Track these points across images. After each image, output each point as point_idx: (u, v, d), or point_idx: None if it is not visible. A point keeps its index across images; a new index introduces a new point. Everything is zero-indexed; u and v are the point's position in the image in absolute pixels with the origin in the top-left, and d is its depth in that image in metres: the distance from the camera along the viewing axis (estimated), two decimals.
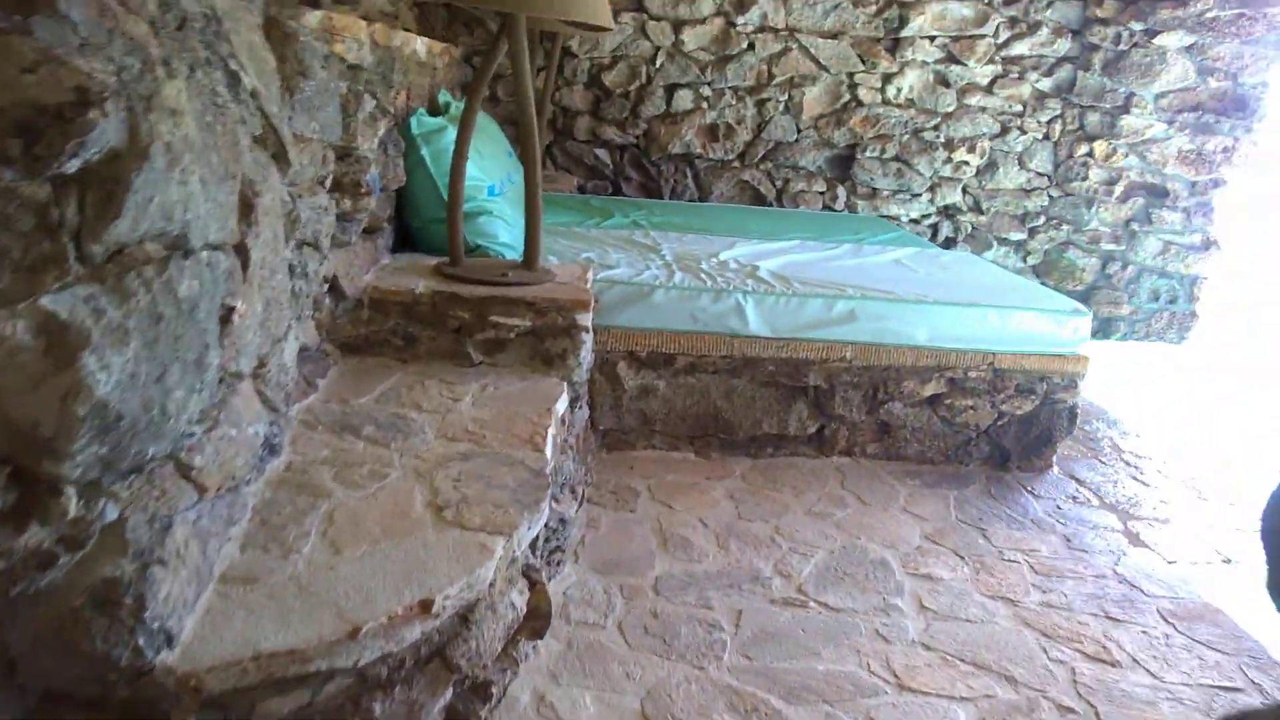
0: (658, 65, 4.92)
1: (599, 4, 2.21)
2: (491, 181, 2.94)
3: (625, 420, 3.05)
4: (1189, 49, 4.62)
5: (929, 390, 3.07)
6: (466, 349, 2.42)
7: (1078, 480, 3.14)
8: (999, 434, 3.13)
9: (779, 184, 5.24)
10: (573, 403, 2.51)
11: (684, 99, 4.99)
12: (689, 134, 5.04)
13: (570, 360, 2.45)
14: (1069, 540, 2.70)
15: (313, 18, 2.06)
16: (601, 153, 5.06)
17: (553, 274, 2.61)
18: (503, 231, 2.88)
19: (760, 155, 5.16)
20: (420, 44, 3.16)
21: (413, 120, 2.75)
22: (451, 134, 2.76)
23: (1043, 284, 5.43)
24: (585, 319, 2.43)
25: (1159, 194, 5.10)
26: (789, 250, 3.58)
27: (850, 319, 2.94)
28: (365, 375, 2.29)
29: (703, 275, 3.03)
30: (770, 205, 5.23)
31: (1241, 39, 4.47)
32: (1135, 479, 3.18)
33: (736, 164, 5.17)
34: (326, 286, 2.26)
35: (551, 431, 2.08)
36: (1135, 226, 5.21)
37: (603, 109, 4.97)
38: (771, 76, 4.99)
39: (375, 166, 2.41)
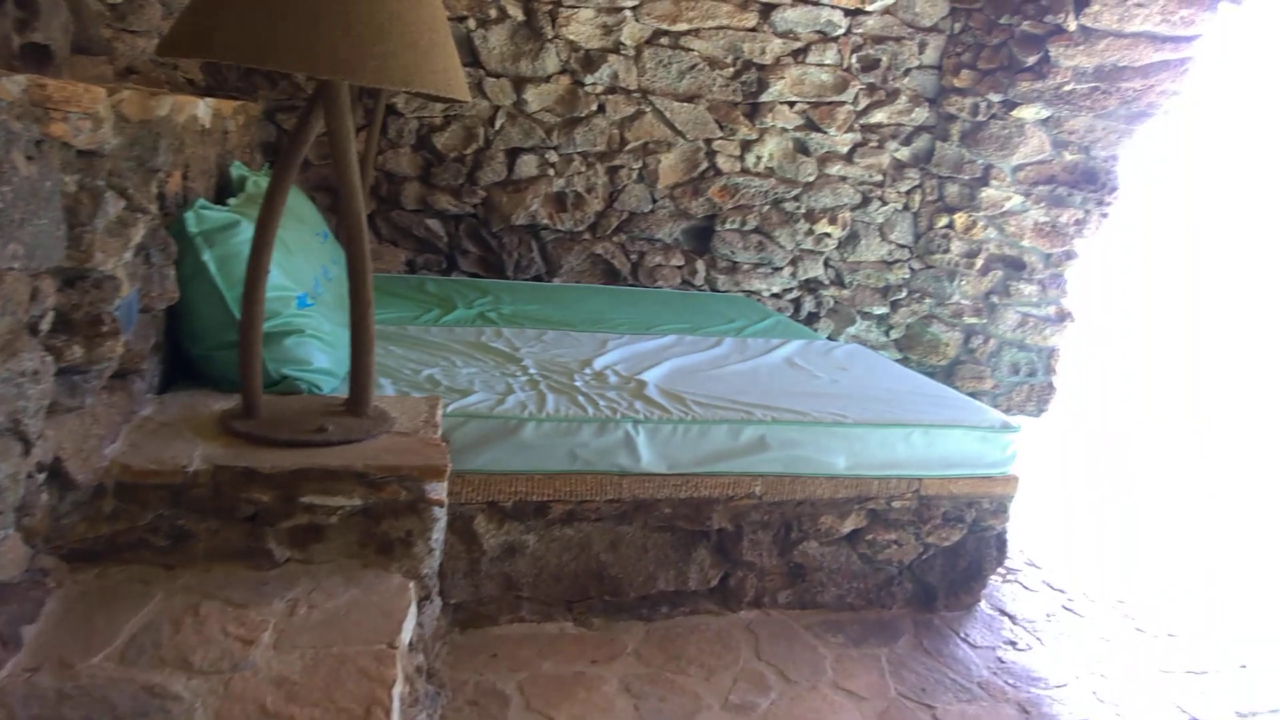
0: (497, 127, 4.34)
1: (449, 72, 1.61)
2: (302, 290, 2.25)
3: (484, 589, 2.40)
4: (1045, 122, 4.57)
5: (848, 525, 2.62)
6: (267, 544, 1.72)
7: (1010, 617, 2.78)
8: (924, 570, 2.72)
9: (634, 258, 4.76)
10: (422, 602, 1.85)
11: (528, 165, 4.43)
12: (534, 203, 4.48)
13: (418, 547, 1.79)
14: (1026, 711, 2.29)
15: (11, 86, 1.33)
16: (434, 223, 4.40)
17: (389, 419, 1.95)
18: (319, 354, 2.19)
19: (613, 227, 4.67)
20: (203, 106, 2.43)
21: (189, 215, 2.03)
22: (246, 230, 2.06)
23: (907, 360, 5.25)
24: (438, 490, 1.79)
25: (1017, 266, 5.03)
26: (669, 351, 3.07)
27: (760, 448, 2.45)
28: (106, 604, 1.54)
29: (580, 399, 2.44)
30: (625, 281, 4.74)
31: (1095, 113, 4.45)
32: (1066, 608, 2.87)
33: (587, 236, 4.65)
34: (43, 475, 1.50)
35: (398, 690, 1.43)
36: (995, 299, 5.11)
37: (435, 175, 4.32)
38: (624, 142, 4.53)
39: (131, 286, 1.69)
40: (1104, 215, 4.89)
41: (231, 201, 2.32)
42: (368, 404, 1.92)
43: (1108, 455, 5.14)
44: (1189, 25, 3.95)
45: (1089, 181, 4.73)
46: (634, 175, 4.61)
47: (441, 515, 1.83)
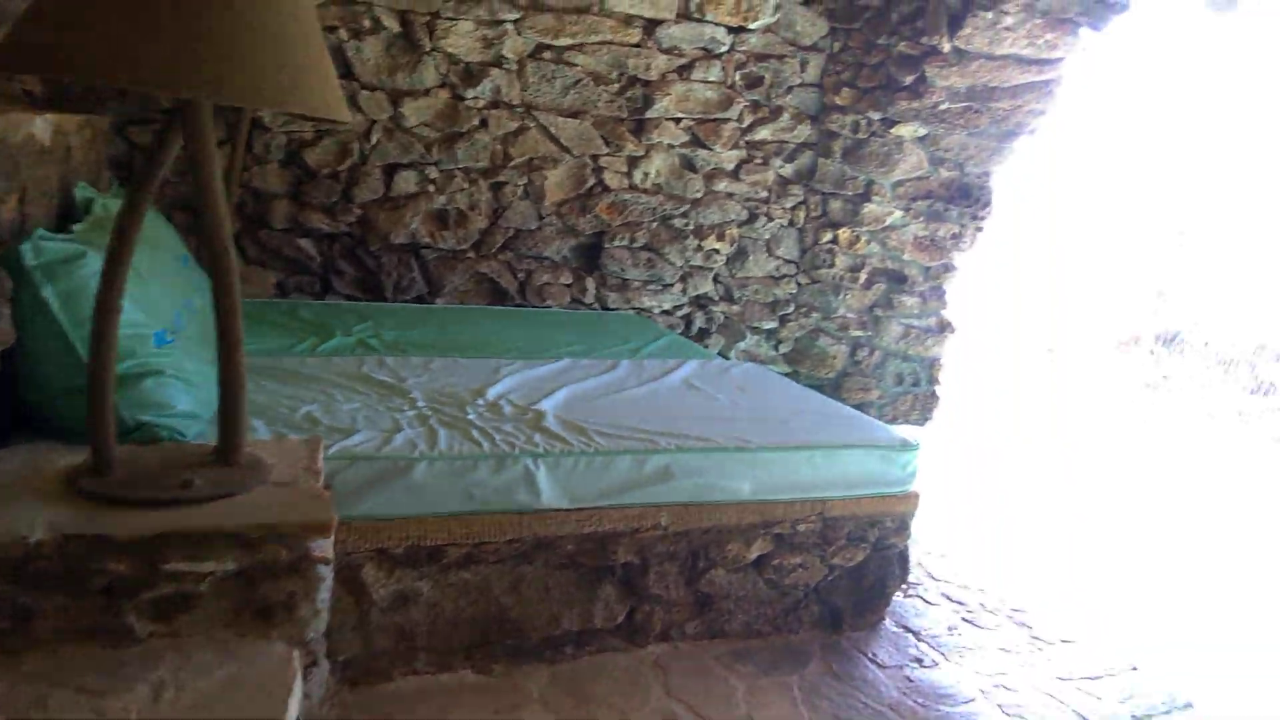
0: (373, 142, 4.15)
1: (326, 91, 1.48)
2: (160, 326, 2.04)
3: (376, 642, 2.24)
4: (922, 139, 4.72)
5: (755, 551, 2.59)
6: (125, 619, 1.53)
7: (913, 633, 2.81)
8: (829, 592, 2.72)
9: (521, 276, 4.64)
10: (308, 670, 1.69)
11: (407, 181, 4.26)
12: (414, 221, 4.31)
13: (303, 610, 1.64)
14: None
15: None
16: (306, 243, 4.17)
17: (264, 467, 1.78)
18: (181, 397, 1.99)
19: (499, 245, 4.54)
20: (42, 123, 2.19)
21: (26, 246, 1.81)
22: (94, 261, 1.85)
23: (796, 373, 5.32)
24: (324, 546, 1.64)
25: (899, 279, 5.18)
26: (564, 376, 2.97)
27: (666, 477, 2.39)
28: None
29: (475, 433, 2.32)
30: (513, 300, 4.62)
31: (968, 131, 4.63)
32: (967, 620, 2.93)
33: (471, 254, 4.50)
34: None
35: None
36: (879, 312, 5.25)
37: (306, 192, 4.09)
38: (508, 158, 4.41)
39: None
40: (979, 229, 5.10)
41: (76, 228, 2.10)
42: (240, 451, 1.75)
43: (987, 464, 5.35)
44: (1053, 49, 4.17)
45: (964, 197, 4.92)
46: (519, 192, 4.50)
47: (328, 573, 1.68)
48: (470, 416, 2.45)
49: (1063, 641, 2.86)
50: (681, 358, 3.46)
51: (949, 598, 3.08)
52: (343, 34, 3.97)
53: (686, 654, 2.54)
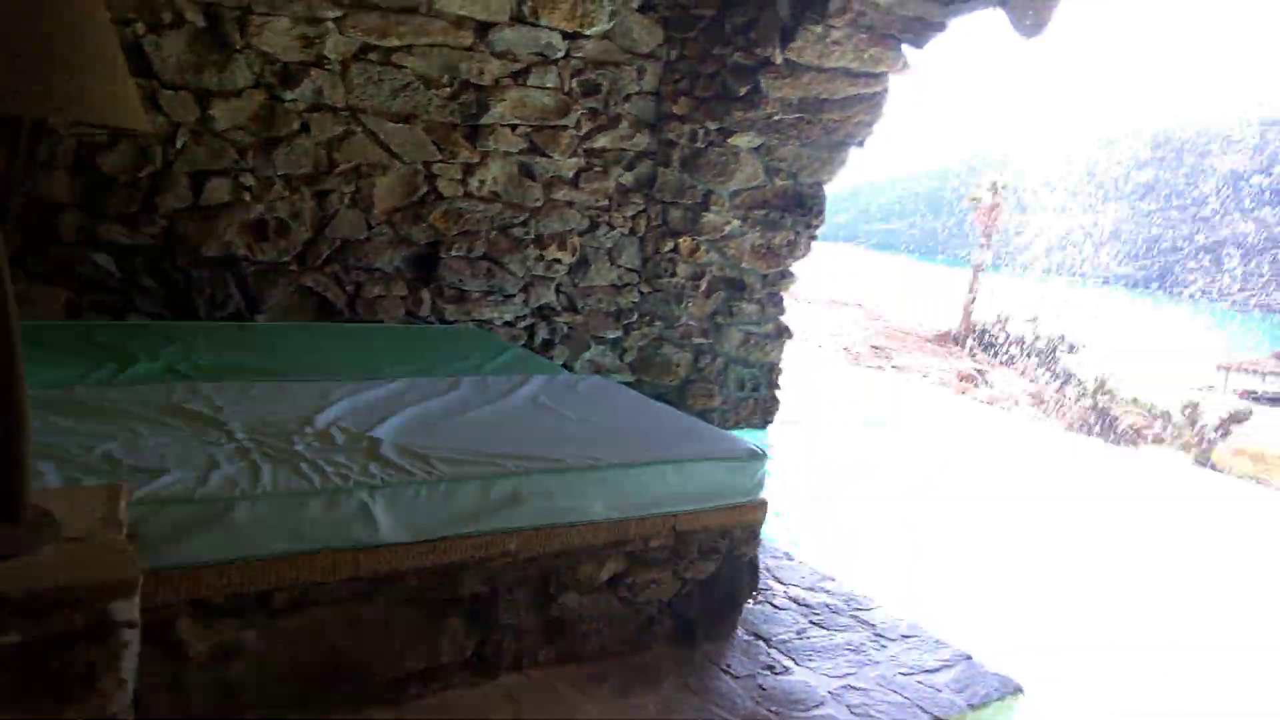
0: (179, 146, 3.83)
1: (118, 96, 1.32)
2: None
3: (194, 704, 2.04)
4: (758, 149, 4.85)
5: (608, 571, 2.55)
6: None
7: (765, 640, 2.85)
8: (682, 606, 2.72)
9: (350, 289, 4.43)
10: None
11: (219, 189, 3.96)
12: (228, 232, 4.02)
13: (104, 683, 1.46)
14: None
15: None
16: (102, 258, 3.80)
17: (53, 522, 1.57)
18: None
19: (325, 256, 4.31)
20: None
21: None
22: None
23: (640, 382, 5.34)
24: (128, 608, 1.46)
25: (738, 287, 5.30)
26: (402, 399, 2.83)
27: (514, 502, 2.31)
28: None
29: (303, 466, 2.16)
30: (342, 316, 4.39)
31: (801, 141, 4.80)
32: (814, 623, 3.00)
33: (294, 267, 4.25)
34: None
35: None
36: (720, 319, 5.36)
37: (100, 201, 3.73)
38: (334, 164, 4.19)
39: None
40: (812, 237, 5.30)
41: None
42: (23, 505, 1.54)
43: (823, 462, 5.57)
44: (878, 63, 4.39)
45: (798, 206, 5.09)
46: (346, 200, 4.28)
47: (134, 638, 1.50)
48: (298, 448, 2.28)
49: (904, 637, 2.98)
50: (526, 373, 3.38)
51: (797, 601, 3.16)
52: (139, 27, 3.65)
53: (539, 683, 2.46)
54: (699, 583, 2.72)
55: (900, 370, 13.77)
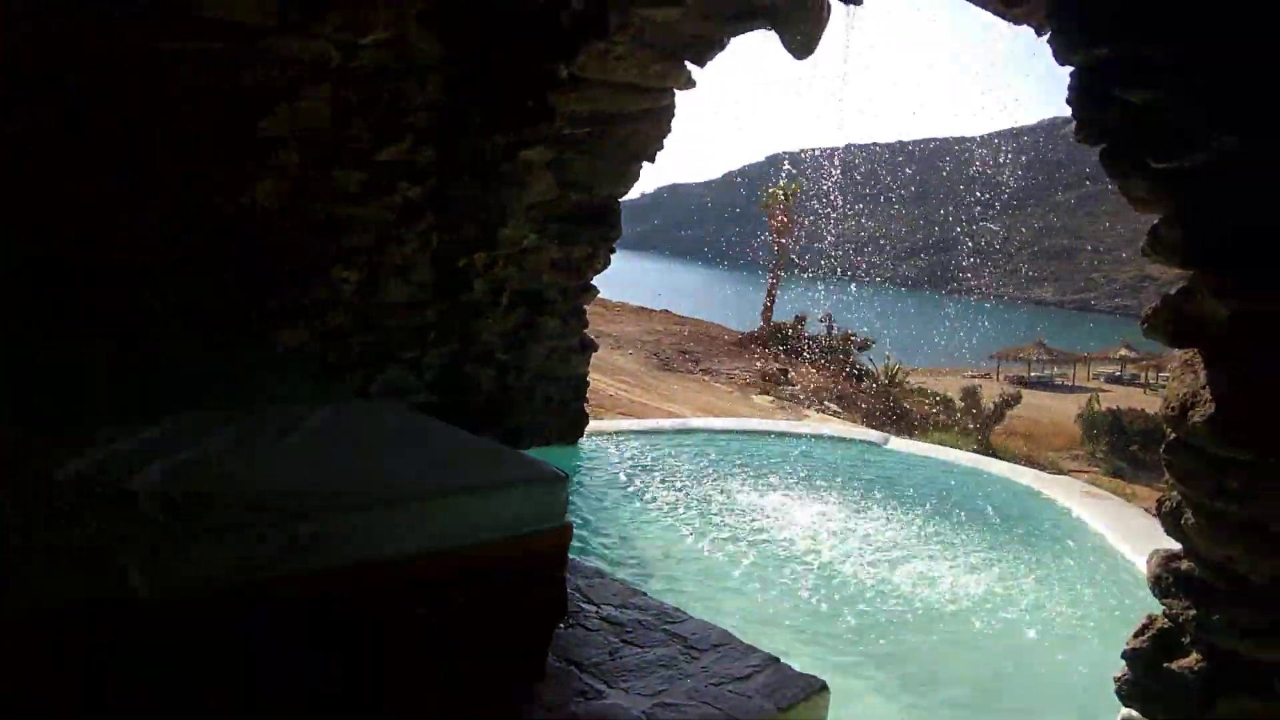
0: None
1: None
2: None
3: None
4: (551, 164, 4.85)
5: (411, 610, 2.43)
6: None
7: (577, 665, 2.82)
8: (491, 640, 2.64)
9: None
10: None
11: None
12: None
13: None
14: None
15: None
16: None
17: None
18: None
19: None
20: None
21: None
22: None
23: (443, 403, 5.20)
24: None
25: (539, 302, 5.28)
26: (173, 437, 2.58)
27: (294, 546, 2.16)
28: None
29: (55, 520, 1.92)
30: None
31: (593, 155, 4.85)
32: (626, 641, 3.00)
33: None
34: None
35: None
36: (523, 335, 5.31)
37: None
38: None
39: None
40: (610, 249, 5.37)
41: None
42: None
43: (629, 474, 5.64)
44: (663, 79, 4.50)
45: (594, 219, 5.14)
46: None
47: None
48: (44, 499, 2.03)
49: (715, 647, 3.04)
50: (317, 402, 3.19)
51: (609, 621, 3.15)
52: None
53: None
54: (504, 614, 2.66)
55: (708, 373, 14.25)
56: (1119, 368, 29.86)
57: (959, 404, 14.37)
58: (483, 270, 5.05)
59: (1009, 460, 9.44)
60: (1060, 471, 10.65)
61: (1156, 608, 2.91)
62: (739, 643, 3.09)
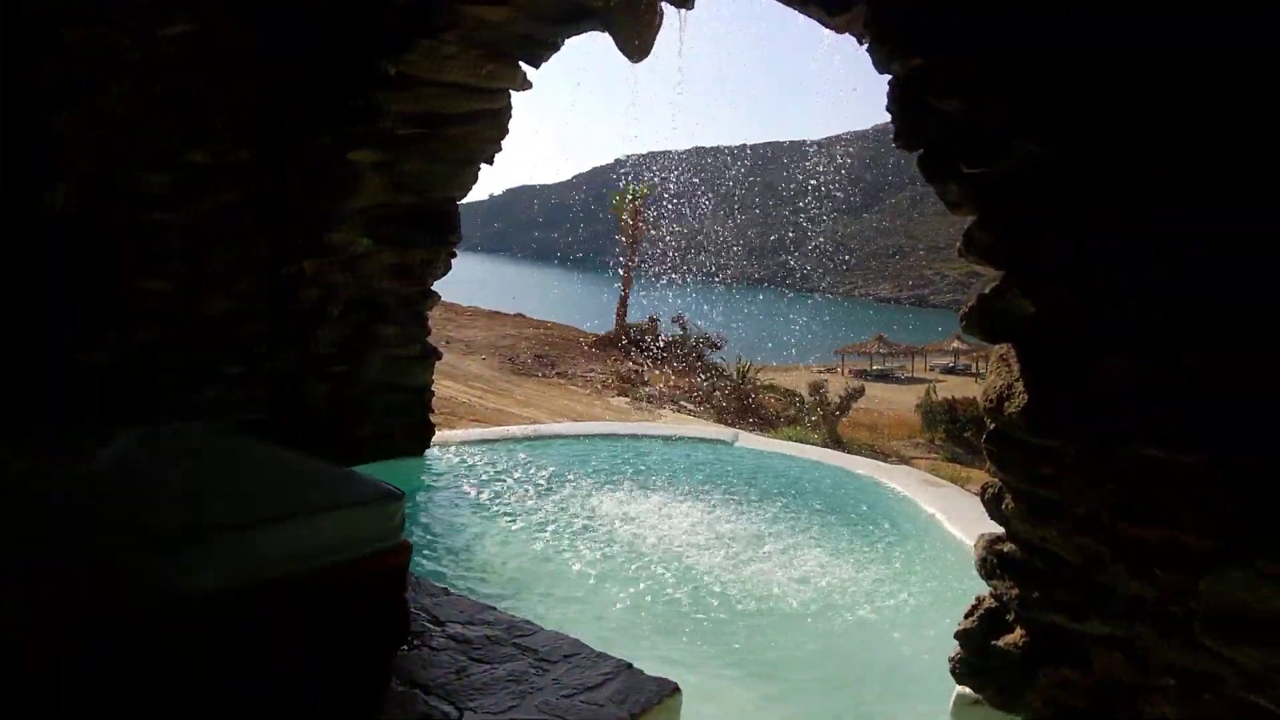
0: None
1: None
2: None
3: None
4: (381, 166, 4.69)
5: (230, 649, 2.29)
6: None
7: (422, 688, 2.74)
8: (324, 671, 2.53)
9: None
10: None
11: None
12: None
13: None
14: None
15: None
16: None
17: None
18: None
19: None
20: None
21: None
22: None
23: (274, 420, 4.94)
24: None
25: (376, 309, 5.10)
26: None
27: (96, 585, 1.99)
28: None
29: None
30: None
31: (426, 157, 4.72)
32: (475, 659, 2.94)
33: None
34: None
35: None
36: (359, 344, 5.12)
37: None
38: None
39: None
40: (451, 254, 5.25)
41: None
42: None
43: (472, 486, 5.55)
44: (497, 79, 4.44)
45: (431, 223, 5.01)
46: None
47: None
48: None
49: (565, 658, 3.02)
50: (118, 426, 2.96)
51: (455, 639, 3.08)
52: None
53: None
54: (341, 642, 2.55)
55: (564, 377, 14.22)
56: (953, 359, 31.83)
57: (807, 399, 14.92)
58: (313, 278, 4.83)
59: (855, 452, 9.91)
60: (903, 460, 11.24)
61: (986, 589, 3.11)
62: (590, 651, 3.08)
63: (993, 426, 2.90)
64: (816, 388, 15.06)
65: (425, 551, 4.34)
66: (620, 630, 3.78)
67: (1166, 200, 2.34)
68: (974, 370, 28.85)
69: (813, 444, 10.00)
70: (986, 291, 2.85)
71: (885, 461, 8.99)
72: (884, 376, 28.41)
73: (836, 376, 22.64)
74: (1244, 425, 2.28)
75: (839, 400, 14.35)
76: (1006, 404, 2.79)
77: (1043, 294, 2.63)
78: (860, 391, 15.21)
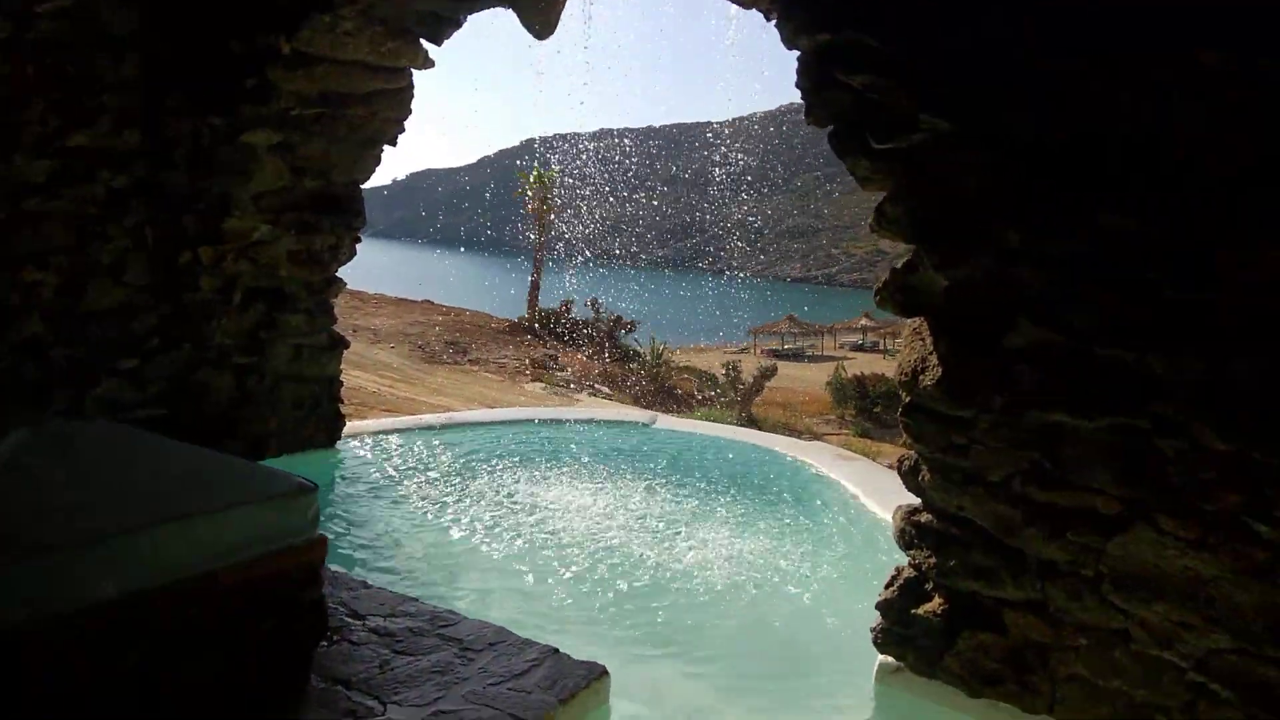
0: None
1: None
2: None
3: None
4: (278, 148, 4.51)
5: (132, 660, 2.18)
6: None
7: (344, 684, 2.67)
8: (239, 674, 2.43)
9: None
10: None
11: None
12: None
13: None
14: None
15: None
16: None
17: None
18: None
19: None
20: None
21: None
22: None
23: (176, 416, 4.74)
24: None
25: (279, 298, 4.93)
26: None
27: None
28: None
29: None
30: None
31: (326, 139, 4.57)
32: (398, 651, 2.88)
33: None
34: None
35: None
36: (263, 334, 4.94)
37: None
38: None
39: None
40: (355, 239, 5.10)
41: None
42: None
43: (388, 474, 5.43)
44: (397, 57, 4.30)
45: (334, 207, 4.86)
46: None
47: None
48: None
49: (491, 645, 2.99)
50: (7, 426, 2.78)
51: (377, 632, 3.01)
52: None
53: None
54: (254, 644, 2.46)
55: (477, 363, 14.04)
56: (861, 336, 32.64)
57: (722, 379, 15.09)
58: (209, 266, 4.63)
59: (770, 430, 10.06)
60: (816, 437, 11.48)
61: (905, 560, 3.19)
62: (516, 638, 3.05)
63: (908, 399, 2.97)
64: (730, 368, 15.25)
65: (342, 545, 4.23)
66: (545, 616, 3.75)
67: (1078, 172, 2.43)
68: (882, 347, 29.64)
69: (729, 423, 10.14)
70: (898, 266, 2.91)
71: (800, 439, 9.17)
72: (796, 355, 28.95)
73: (750, 356, 22.97)
74: (1143, 390, 2.39)
75: (753, 380, 14.56)
76: (921, 376, 2.86)
77: (954, 266, 2.69)
78: (773, 371, 15.46)
